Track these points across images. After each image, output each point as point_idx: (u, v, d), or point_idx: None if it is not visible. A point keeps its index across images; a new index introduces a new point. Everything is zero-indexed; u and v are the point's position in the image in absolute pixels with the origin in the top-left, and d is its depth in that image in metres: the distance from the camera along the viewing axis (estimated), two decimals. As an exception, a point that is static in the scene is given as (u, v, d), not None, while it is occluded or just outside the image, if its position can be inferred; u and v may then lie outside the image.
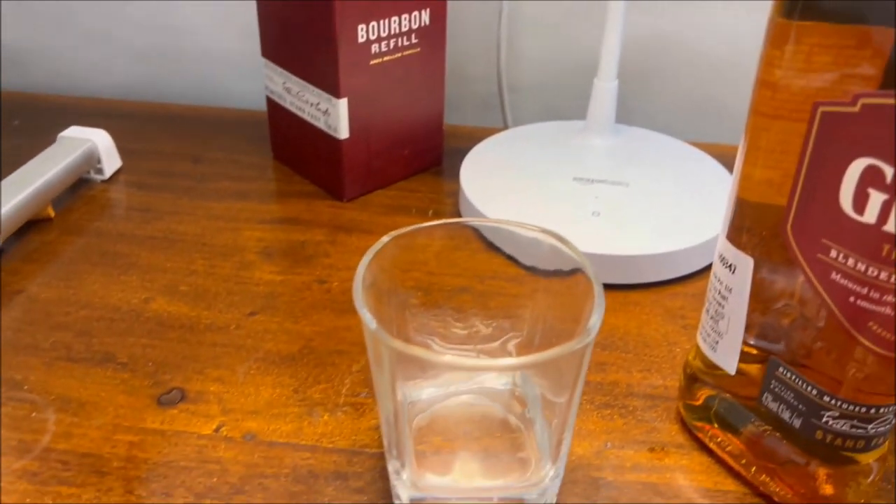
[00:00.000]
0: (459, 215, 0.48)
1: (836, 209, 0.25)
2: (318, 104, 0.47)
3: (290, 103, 0.50)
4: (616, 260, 0.42)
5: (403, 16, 0.46)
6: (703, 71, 0.59)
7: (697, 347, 0.33)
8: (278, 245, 0.46)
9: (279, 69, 0.49)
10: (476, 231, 0.32)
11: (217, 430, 0.34)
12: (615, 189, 0.46)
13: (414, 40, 0.48)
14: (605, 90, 0.49)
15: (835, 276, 0.26)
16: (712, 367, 0.32)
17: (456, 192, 0.50)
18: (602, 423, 0.35)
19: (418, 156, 0.52)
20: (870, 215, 0.24)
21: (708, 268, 0.44)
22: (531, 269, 0.32)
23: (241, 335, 0.39)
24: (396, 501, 0.30)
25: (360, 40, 0.45)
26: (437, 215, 0.48)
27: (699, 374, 0.33)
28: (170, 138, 0.56)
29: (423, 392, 0.33)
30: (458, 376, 0.32)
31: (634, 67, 0.59)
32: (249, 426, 0.34)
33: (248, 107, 0.62)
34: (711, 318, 0.32)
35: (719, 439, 0.33)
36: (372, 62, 0.46)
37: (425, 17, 0.47)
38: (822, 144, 0.25)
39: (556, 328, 0.32)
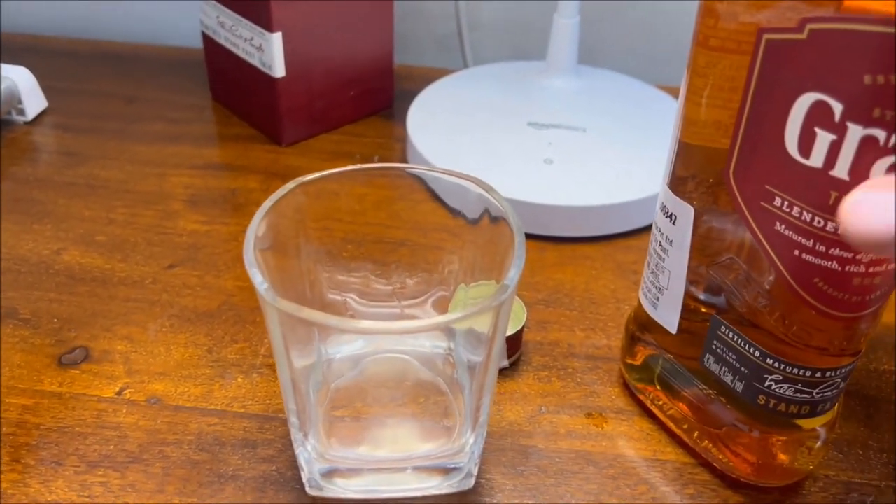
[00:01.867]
0: (407, 162, 0.45)
1: (780, 152, 0.22)
2: (251, 39, 0.44)
3: (224, 39, 0.46)
4: (566, 210, 0.39)
5: (343, -58, 0.42)
6: (676, 10, 0.55)
7: (639, 304, 0.31)
8: (207, 192, 0.42)
9: (212, 2, 0.45)
10: (406, 176, 0.29)
11: (119, 392, 0.31)
12: (571, 135, 0.43)
13: (357, -30, 0.44)
14: (565, 27, 0.45)
15: (779, 227, 0.23)
16: (654, 326, 0.30)
17: (405, 137, 0.47)
18: (538, 385, 0.32)
19: (366, 97, 0.48)
20: (816, 158, 0.21)
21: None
22: (458, 216, 0.29)
23: (157, 290, 0.36)
24: (303, 473, 0.28)
25: (295, -31, 0.41)
26: (383, 161, 0.45)
27: (640, 332, 0.31)
28: (103, 77, 0.52)
29: (345, 348, 0.30)
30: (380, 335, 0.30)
31: (600, 6, 0.55)
32: (155, 389, 0.32)
33: (190, 45, 0.58)
34: (652, 272, 0.29)
35: (661, 402, 0.30)
36: (309, -6, 0.42)
37: (368, -56, 0.44)
38: (768, 78, 0.22)
39: (484, 285, 0.29)
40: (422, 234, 0.30)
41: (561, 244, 0.39)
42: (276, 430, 0.30)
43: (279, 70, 0.43)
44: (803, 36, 0.20)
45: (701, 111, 0.25)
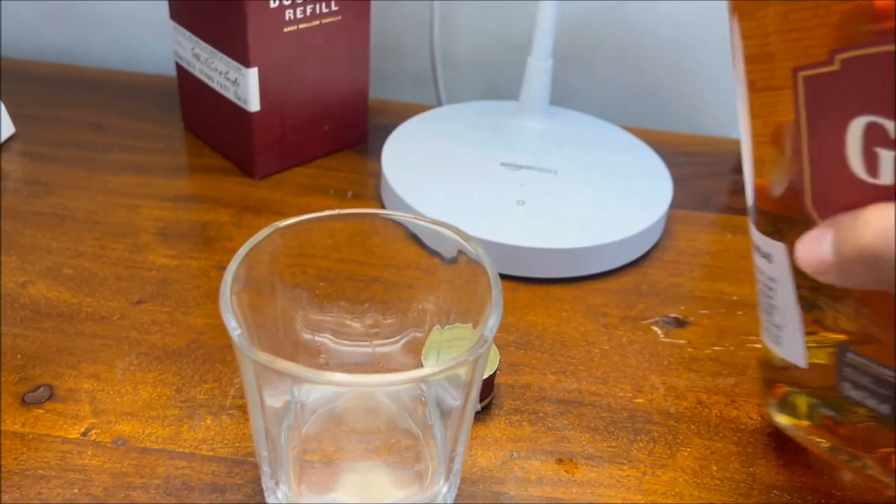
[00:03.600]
0: (380, 198, 0.45)
1: (848, 175, 0.22)
2: (227, 73, 0.44)
3: (199, 71, 0.46)
4: (538, 253, 0.39)
5: (321, -20, 0.43)
6: (646, 52, 0.56)
7: (764, 345, 0.30)
8: (178, 226, 0.42)
9: (187, 33, 0.45)
10: (384, 221, 0.29)
11: (85, 433, 0.31)
12: (543, 176, 0.44)
13: (334, 7, 0.44)
14: (538, 70, 0.46)
15: None
16: (784, 364, 0.29)
17: (380, 172, 0.47)
18: (510, 430, 0.33)
19: (340, 132, 0.49)
20: (885, 177, 0.22)
21: (632, 264, 0.42)
22: (434, 256, 0.29)
23: (125, 326, 0.36)
24: (273, 520, 0.28)
25: (273, 5, 0.41)
26: (356, 197, 0.45)
27: (773, 373, 0.31)
28: (72, 104, 0.52)
29: (318, 391, 0.30)
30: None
31: (574, 47, 0.56)
32: (122, 430, 0.31)
33: (162, 72, 0.58)
34: (766, 312, 0.29)
35: (813, 436, 0.30)
36: (286, 29, 0.43)
37: (346, -18, 0.44)
38: (815, 111, 0.22)
39: (460, 328, 0.29)
40: (396, 271, 0.30)
41: (533, 285, 0.40)
42: (246, 475, 0.30)
43: (254, 104, 0.43)
44: (836, 67, 0.21)
45: (766, 150, 0.25)
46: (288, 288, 0.29)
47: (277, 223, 0.27)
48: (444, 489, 0.27)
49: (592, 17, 0.55)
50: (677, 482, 0.31)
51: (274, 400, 0.26)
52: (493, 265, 0.26)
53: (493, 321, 0.25)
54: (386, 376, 0.24)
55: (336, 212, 0.29)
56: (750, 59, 0.24)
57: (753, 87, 0.25)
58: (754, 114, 0.25)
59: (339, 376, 0.22)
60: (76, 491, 0.29)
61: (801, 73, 0.22)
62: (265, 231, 0.27)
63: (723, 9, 0.47)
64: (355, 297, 0.30)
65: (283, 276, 0.29)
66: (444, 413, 0.28)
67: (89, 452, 0.30)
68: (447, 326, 0.30)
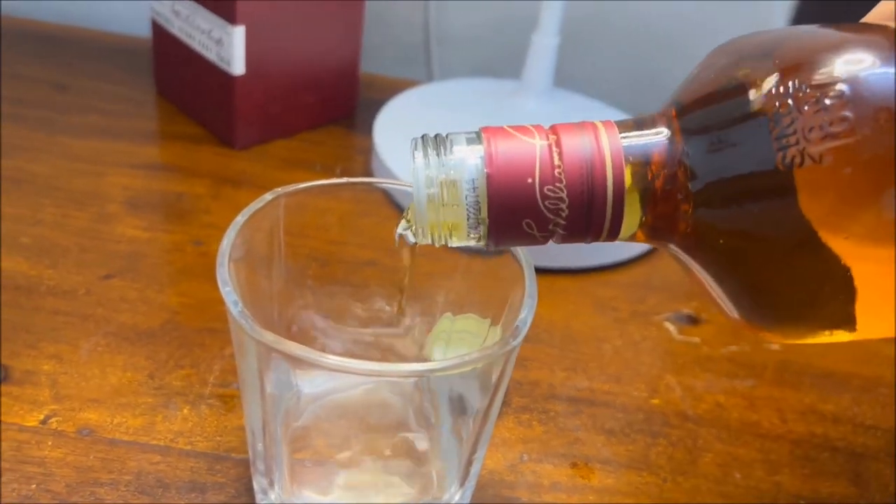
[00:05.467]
0: (370, 175, 0.42)
1: None
2: (210, 31, 0.40)
3: (178, 29, 0.42)
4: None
5: (318, -64, 0.39)
6: (651, 38, 0.54)
7: None
8: (149, 196, 0.38)
9: (166, -13, 0.42)
10: (387, 194, 0.26)
11: (44, 421, 0.27)
12: (547, 159, 0.41)
13: (329, -33, 0.41)
14: (544, 47, 0.43)
15: None
16: None
17: (368, 148, 0.44)
18: (519, 430, 0.30)
19: (327, 104, 0.45)
20: None
21: (641, 256, 0.39)
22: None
23: (91, 303, 0.32)
24: (263, 525, 0.25)
25: (264, -41, 0.38)
26: (345, 174, 0.42)
27: None
28: (33, 61, 0.47)
29: (312, 383, 0.27)
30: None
31: (579, 27, 0.54)
32: (87, 418, 0.28)
33: (131, 32, 0.54)
34: None
35: None
36: (277, -13, 0.39)
37: (344, -59, 0.41)
38: None
39: (473, 318, 0.27)
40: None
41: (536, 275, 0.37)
42: (229, 473, 0.27)
43: (238, 67, 0.40)
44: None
45: None
46: (288, 264, 0.26)
47: (279, 189, 0.24)
48: (457, 496, 0.25)
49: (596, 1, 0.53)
50: (699, 490, 0.29)
51: (271, 388, 0.23)
52: (528, 253, 0.24)
53: (526, 313, 0.22)
54: (408, 366, 0.22)
55: (345, 180, 0.25)
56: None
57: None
58: None
59: (363, 364, 0.19)
60: (34, 487, 0.25)
61: None
62: (266, 197, 0.24)
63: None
64: (360, 281, 0.27)
65: (284, 251, 0.25)
66: (461, 411, 0.25)
67: (49, 443, 0.27)
68: (459, 316, 0.27)
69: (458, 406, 0.25)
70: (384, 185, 0.26)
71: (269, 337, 0.19)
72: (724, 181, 0.19)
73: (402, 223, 0.22)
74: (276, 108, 0.43)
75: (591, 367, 0.33)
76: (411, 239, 0.22)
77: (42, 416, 0.27)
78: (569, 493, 0.28)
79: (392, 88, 0.47)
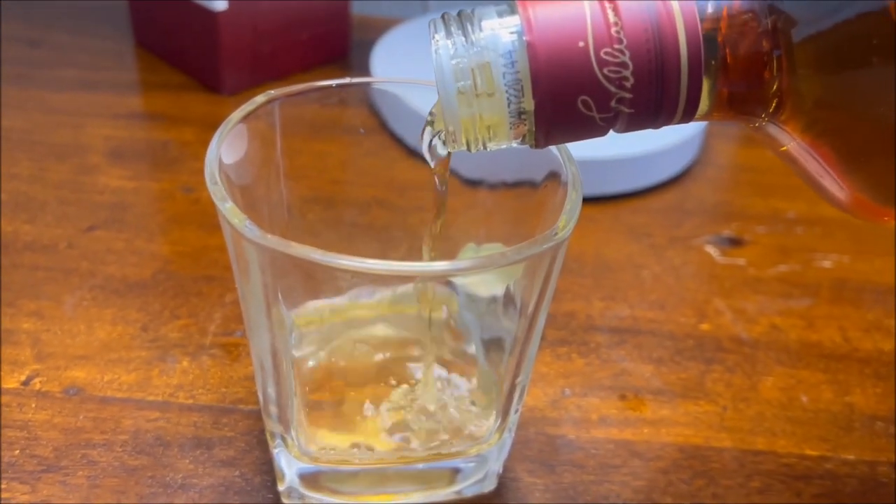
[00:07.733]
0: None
1: None
2: (187, -35, 0.37)
3: (152, -32, 0.39)
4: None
5: None
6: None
7: None
8: (133, 145, 0.35)
9: (137, -78, 0.38)
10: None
11: (27, 382, 0.24)
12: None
13: None
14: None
15: None
16: None
17: (366, 89, 0.40)
18: (557, 364, 0.27)
19: (321, 42, 0.42)
20: None
21: (671, 182, 0.36)
22: (473, 181, 0.23)
23: (74, 256, 0.29)
24: (280, 479, 0.22)
25: None
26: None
27: None
28: (2, 20, 0.44)
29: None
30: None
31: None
32: (74, 376, 0.25)
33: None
34: None
35: None
36: (258, -89, 0.36)
37: None
38: None
39: (498, 247, 0.23)
40: (424, 196, 0.24)
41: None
42: (237, 426, 0.24)
43: (220, 2, 0.36)
44: None
45: None
46: (287, 200, 0.22)
47: (273, 91, 0.21)
48: (497, 433, 0.22)
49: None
50: (765, 416, 0.26)
51: (279, 310, 0.19)
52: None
53: (571, 206, 0.19)
54: (434, 265, 0.18)
55: (362, 79, 0.22)
56: None
57: None
58: None
59: (378, 263, 0.16)
60: (17, 452, 0.22)
61: None
62: (258, 100, 0.20)
63: None
64: (370, 224, 0.24)
65: (281, 185, 0.22)
66: (492, 338, 0.22)
67: (33, 405, 0.24)
68: (484, 245, 0.24)
69: (491, 330, 0.22)
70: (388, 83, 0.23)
71: (276, 241, 0.16)
72: (835, 27, 0.15)
73: (428, 129, 0.19)
74: (265, 47, 0.39)
75: (631, 295, 0.30)
76: (441, 151, 0.19)
77: (24, 377, 0.24)
78: (620, 426, 0.25)
79: (387, 27, 0.44)
